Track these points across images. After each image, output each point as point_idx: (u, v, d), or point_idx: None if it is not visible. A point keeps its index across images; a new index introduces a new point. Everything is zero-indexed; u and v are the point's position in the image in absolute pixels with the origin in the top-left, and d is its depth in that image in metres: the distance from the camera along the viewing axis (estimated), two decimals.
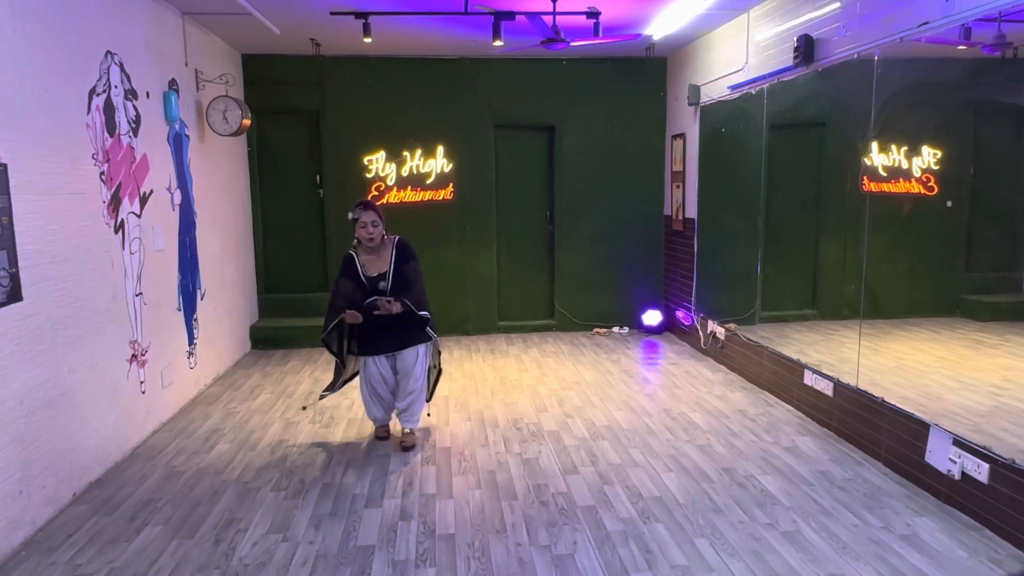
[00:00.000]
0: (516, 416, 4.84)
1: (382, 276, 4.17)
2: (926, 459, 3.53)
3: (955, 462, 3.33)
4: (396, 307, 4.09)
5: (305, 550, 3.08)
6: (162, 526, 3.31)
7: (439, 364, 4.63)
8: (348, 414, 4.92)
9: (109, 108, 4.10)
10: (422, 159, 7.19)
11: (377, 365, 4.28)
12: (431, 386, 4.57)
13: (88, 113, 3.86)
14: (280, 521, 3.35)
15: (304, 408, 5.05)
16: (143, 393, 4.44)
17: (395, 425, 4.53)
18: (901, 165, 4.39)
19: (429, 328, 4.30)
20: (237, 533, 3.24)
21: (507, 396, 5.32)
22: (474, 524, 3.30)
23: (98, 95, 3.98)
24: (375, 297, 4.15)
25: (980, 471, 3.18)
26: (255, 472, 3.93)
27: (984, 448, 3.20)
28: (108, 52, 4.12)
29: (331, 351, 4.35)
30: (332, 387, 4.52)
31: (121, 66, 4.28)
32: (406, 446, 4.26)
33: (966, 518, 3.26)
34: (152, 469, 4.00)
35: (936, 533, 3.14)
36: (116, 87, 4.21)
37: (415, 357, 4.28)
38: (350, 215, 4.13)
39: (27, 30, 3.34)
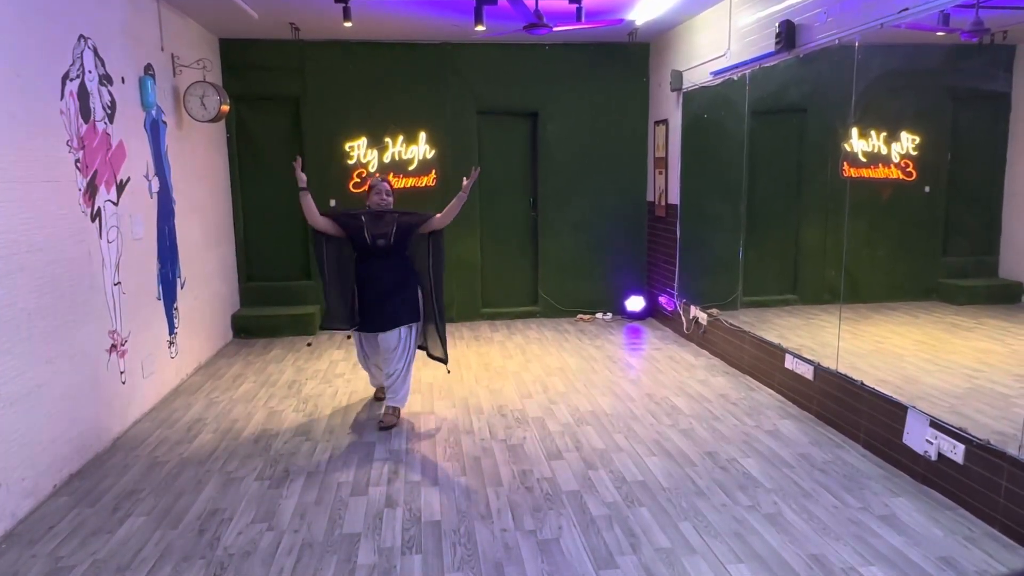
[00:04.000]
0: (501, 403, 4.85)
1: (384, 236, 4.30)
2: (904, 441, 3.60)
3: (932, 443, 3.39)
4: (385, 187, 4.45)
5: (291, 539, 3.08)
6: (145, 517, 3.29)
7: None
8: (332, 402, 4.91)
9: (83, 94, 4.02)
10: (404, 145, 7.13)
11: (363, 340, 4.59)
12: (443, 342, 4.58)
13: (62, 99, 3.78)
14: (265, 510, 3.34)
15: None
16: (123, 383, 4.39)
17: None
18: (880, 151, 4.43)
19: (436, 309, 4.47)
20: (221, 523, 3.23)
21: (491, 383, 5.33)
22: (460, 510, 3.32)
23: (72, 80, 3.89)
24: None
25: (956, 452, 3.25)
26: (239, 461, 3.92)
27: (960, 429, 3.26)
28: (81, 36, 4.03)
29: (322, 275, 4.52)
30: (325, 322, 4.57)
31: (95, 50, 4.19)
32: (383, 425, 4.35)
33: (942, 498, 3.33)
34: (134, 460, 3.96)
35: (913, 513, 3.21)
36: (90, 72, 4.12)
37: (396, 339, 4.35)
38: (370, 182, 4.57)
39: None
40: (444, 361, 4.59)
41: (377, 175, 4.76)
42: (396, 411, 4.43)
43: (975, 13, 3.46)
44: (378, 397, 4.83)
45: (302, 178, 4.35)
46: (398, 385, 4.41)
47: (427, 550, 2.98)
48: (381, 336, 4.35)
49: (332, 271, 4.48)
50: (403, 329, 4.36)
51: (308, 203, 4.34)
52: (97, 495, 3.53)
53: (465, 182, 4.46)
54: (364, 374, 5.58)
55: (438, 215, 4.45)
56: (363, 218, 4.35)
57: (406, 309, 4.35)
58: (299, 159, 4.48)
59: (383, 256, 4.32)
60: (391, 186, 4.57)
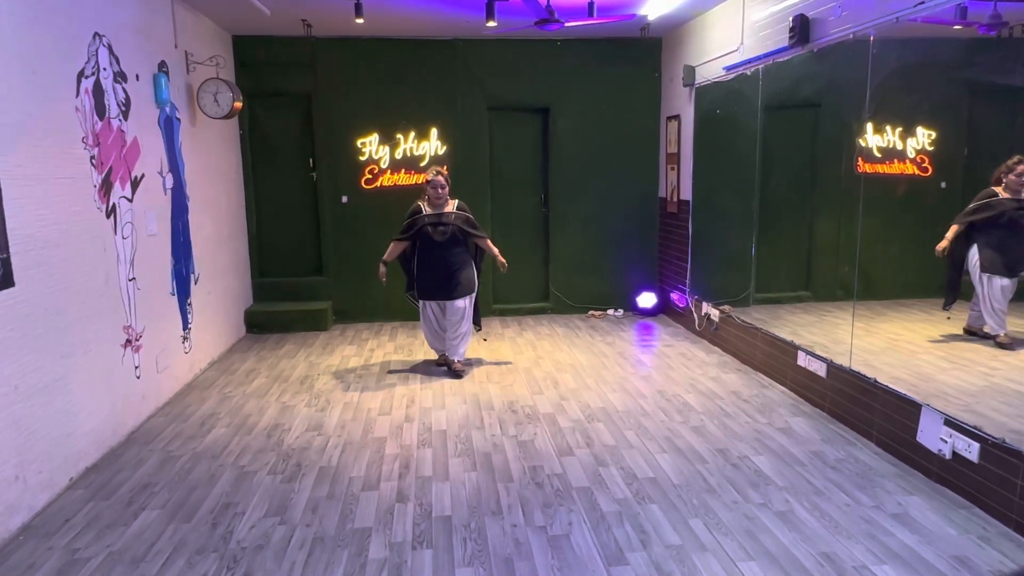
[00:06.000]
0: (511, 399, 4.86)
1: (445, 229, 5.23)
2: (918, 439, 3.57)
3: (946, 442, 3.36)
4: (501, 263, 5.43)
5: (303, 533, 3.10)
6: (159, 510, 3.33)
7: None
8: (344, 397, 4.94)
9: (98, 91, 4.05)
10: (415, 142, 7.15)
11: (431, 308, 5.44)
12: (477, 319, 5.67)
13: (77, 96, 3.82)
14: (277, 504, 3.37)
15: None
16: (138, 378, 4.44)
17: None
18: (896, 146, 4.39)
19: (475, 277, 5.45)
20: (234, 517, 3.26)
21: (502, 379, 5.34)
22: (470, 506, 3.33)
23: (87, 78, 3.93)
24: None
25: (971, 450, 3.22)
26: (252, 456, 3.95)
27: (975, 428, 3.23)
28: (96, 34, 4.06)
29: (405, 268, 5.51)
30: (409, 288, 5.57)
31: (110, 48, 4.23)
32: (456, 371, 5.41)
33: (956, 497, 3.30)
34: (148, 454, 4.01)
35: (927, 511, 3.18)
36: (105, 69, 4.16)
37: (460, 307, 5.31)
38: (427, 175, 5.27)
39: (14, 11, 3.29)
40: (479, 327, 5.74)
41: (434, 168, 5.27)
42: (460, 362, 5.48)
43: (993, 6, 3.42)
44: (439, 363, 5.67)
45: (382, 271, 5.36)
46: (461, 343, 5.44)
47: (437, 545, 2.99)
48: (451, 304, 5.29)
49: (416, 265, 5.43)
50: (460, 301, 5.31)
51: (391, 256, 5.36)
52: (112, 488, 3.57)
53: (499, 258, 5.37)
54: (374, 370, 5.63)
55: (488, 240, 5.46)
56: (425, 219, 5.24)
57: (467, 284, 5.34)
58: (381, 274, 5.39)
59: (447, 245, 5.24)
60: (447, 179, 5.27)
